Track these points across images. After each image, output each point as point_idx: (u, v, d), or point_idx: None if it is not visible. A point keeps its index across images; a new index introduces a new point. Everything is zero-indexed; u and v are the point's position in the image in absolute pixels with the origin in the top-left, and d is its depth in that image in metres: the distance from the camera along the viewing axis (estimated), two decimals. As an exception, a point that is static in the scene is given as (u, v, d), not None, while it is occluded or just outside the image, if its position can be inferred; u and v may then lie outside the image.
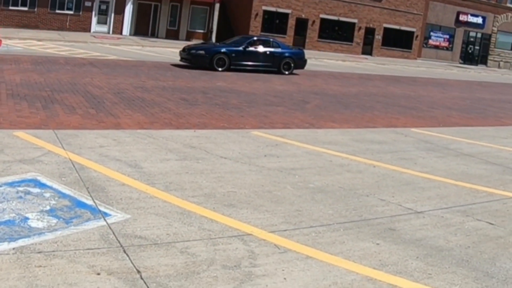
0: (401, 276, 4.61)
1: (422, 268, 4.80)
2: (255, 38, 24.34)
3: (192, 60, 21.86)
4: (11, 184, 5.89)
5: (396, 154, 9.49)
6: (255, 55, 23.05)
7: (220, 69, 21.66)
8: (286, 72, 23.46)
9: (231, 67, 22.08)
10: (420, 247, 5.29)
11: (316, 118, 12.67)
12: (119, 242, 4.69)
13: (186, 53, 22.16)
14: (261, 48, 23.37)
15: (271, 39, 25.05)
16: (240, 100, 14.28)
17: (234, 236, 5.07)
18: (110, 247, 4.57)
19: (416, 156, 9.54)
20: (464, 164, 9.28)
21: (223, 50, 22.33)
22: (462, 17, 52.01)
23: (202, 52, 21.95)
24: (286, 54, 23.88)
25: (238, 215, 5.66)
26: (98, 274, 4.09)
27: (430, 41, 51.63)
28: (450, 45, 52.73)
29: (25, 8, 34.88)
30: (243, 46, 22.79)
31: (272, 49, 23.62)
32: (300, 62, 24.36)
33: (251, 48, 23.04)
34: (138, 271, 4.20)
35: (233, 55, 22.27)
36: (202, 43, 26.15)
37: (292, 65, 23.84)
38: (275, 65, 23.41)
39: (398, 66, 39.45)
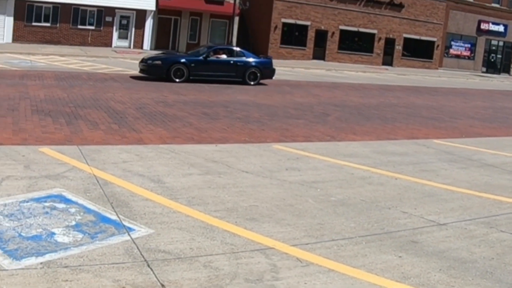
0: (424, 289, 4.61)
1: (445, 280, 4.79)
2: (217, 47, 23.45)
3: (149, 70, 20.83)
4: (37, 200, 6.01)
5: (418, 166, 9.46)
6: (217, 65, 21.90)
7: (177, 80, 20.56)
8: (252, 83, 22.24)
9: (191, 77, 20.96)
10: (443, 259, 5.28)
11: (337, 130, 12.68)
12: (143, 256, 4.76)
13: (143, 63, 21.14)
14: (223, 58, 22.31)
15: (236, 48, 24.11)
16: (261, 113, 14.35)
17: (257, 250, 5.11)
18: (135, 262, 4.64)
19: (438, 167, 9.50)
20: (487, 175, 9.22)
21: (182, 60, 21.32)
22: (484, 26, 51.64)
23: (158, 62, 20.93)
24: (252, 64, 22.64)
25: (260, 229, 5.70)
26: (123, 288, 4.16)
27: (451, 51, 51.31)
28: (472, 54, 52.33)
29: (48, 24, 35.43)
30: (204, 56, 21.64)
31: (235, 58, 22.55)
32: (268, 71, 23.10)
33: (213, 58, 21.92)
34: (162, 285, 4.26)
35: (192, 65, 21.10)
36: (162, 53, 24.78)
37: (259, 75, 22.52)
38: (239, 75, 22.22)
39: (419, 76, 39.24)
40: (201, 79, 21.20)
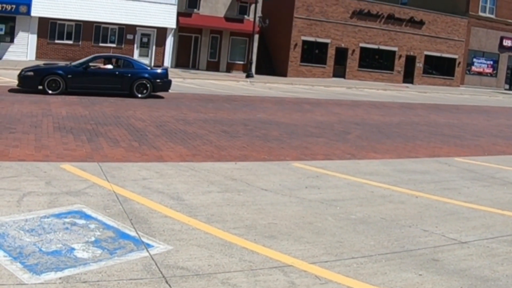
0: (445, 308, 4.53)
1: (467, 300, 4.71)
2: (101, 56, 21.98)
3: (23, 82, 19.02)
4: (58, 216, 6.06)
5: (439, 184, 9.37)
6: (99, 76, 20.00)
7: (51, 92, 18.68)
8: (140, 95, 20.14)
9: (69, 89, 19.07)
10: (464, 277, 5.20)
11: (357, 148, 12.62)
12: (161, 273, 4.75)
13: (19, 75, 19.34)
14: (107, 68, 20.47)
15: (124, 57, 22.44)
16: (280, 131, 14.35)
17: (275, 267, 5.08)
18: (153, 278, 4.64)
19: (460, 185, 9.40)
20: (510, 193, 9.10)
21: (58, 71, 19.28)
22: (506, 42, 51.28)
23: (30, 73, 19.07)
24: (142, 75, 20.51)
25: (279, 246, 5.67)
26: (141, 305, 4.16)
27: (473, 68, 50.99)
28: (494, 71, 51.95)
29: (70, 42, 36.02)
30: (84, 66, 19.76)
31: (122, 69, 20.61)
32: (161, 83, 20.89)
33: (94, 68, 20.23)
34: (180, 302, 4.25)
35: (70, 76, 19.15)
36: (44, 64, 21.99)
37: (149, 86, 20.38)
38: (125, 87, 20.14)
39: (441, 94, 39.03)
40: (81, 91, 19.47)
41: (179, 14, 37.90)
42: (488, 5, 50.13)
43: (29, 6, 33.71)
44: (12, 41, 34.37)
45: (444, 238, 6.40)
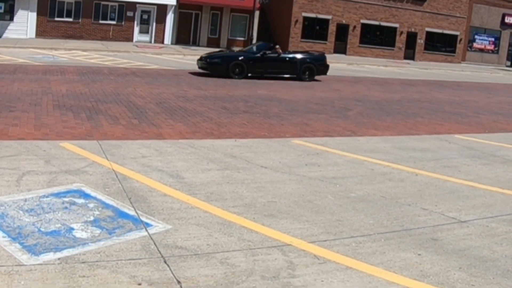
0: (443, 287, 4.54)
1: (465, 279, 4.72)
2: None
3: None
4: (57, 195, 6.05)
5: (439, 162, 9.34)
6: None
7: None
8: None
9: None
10: (463, 257, 5.20)
11: (358, 125, 12.58)
12: (160, 252, 4.76)
13: None
14: None
15: None
16: (281, 108, 14.29)
17: (274, 247, 5.08)
18: (151, 258, 4.64)
19: (460, 163, 9.38)
20: (511, 172, 9.07)
21: None
22: (508, 19, 50.89)
23: None
24: None
25: (278, 225, 5.67)
26: (139, 284, 4.16)
27: (475, 44, 50.70)
28: (496, 48, 51.67)
29: (70, 19, 35.76)
30: None
31: None
32: None
33: None
34: (179, 282, 4.25)
35: None
36: None
37: None
38: None
39: (442, 71, 38.80)
40: None
41: (179, -9, 37.58)
42: (490, -19, 49.69)
43: (28, -17, 33.43)
44: (11, 19, 34.09)
45: (443, 217, 6.40)
